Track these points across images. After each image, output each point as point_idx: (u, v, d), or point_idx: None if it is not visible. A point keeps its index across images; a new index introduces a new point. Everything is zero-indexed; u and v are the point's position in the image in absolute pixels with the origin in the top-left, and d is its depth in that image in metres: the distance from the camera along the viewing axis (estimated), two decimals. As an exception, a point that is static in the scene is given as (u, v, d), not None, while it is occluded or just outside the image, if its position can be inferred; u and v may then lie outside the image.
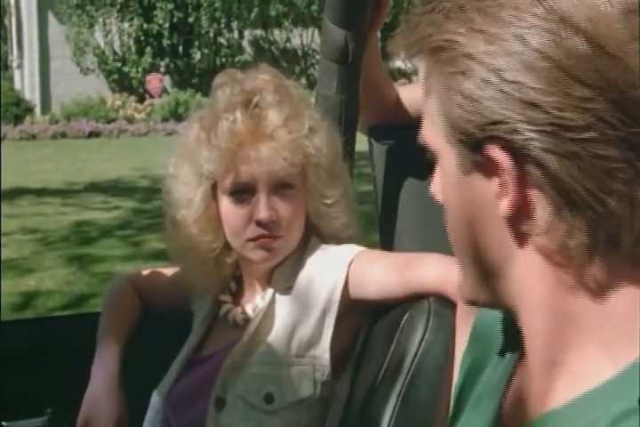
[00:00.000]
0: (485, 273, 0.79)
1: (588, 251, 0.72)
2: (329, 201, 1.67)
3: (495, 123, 0.71)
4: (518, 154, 0.71)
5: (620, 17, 0.70)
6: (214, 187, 1.66)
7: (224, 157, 1.60)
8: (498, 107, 0.71)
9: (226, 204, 1.65)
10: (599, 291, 0.73)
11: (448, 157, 0.77)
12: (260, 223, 1.61)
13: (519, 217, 0.74)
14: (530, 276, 0.75)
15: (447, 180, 0.80)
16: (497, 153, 0.72)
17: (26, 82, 16.64)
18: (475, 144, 0.73)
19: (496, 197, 0.74)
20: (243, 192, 1.63)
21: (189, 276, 1.76)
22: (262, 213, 1.61)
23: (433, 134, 0.79)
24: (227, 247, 1.70)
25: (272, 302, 1.67)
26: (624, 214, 0.71)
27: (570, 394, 0.74)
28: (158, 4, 16.85)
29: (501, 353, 0.90)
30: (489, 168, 0.74)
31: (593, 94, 0.69)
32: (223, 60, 17.39)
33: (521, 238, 0.75)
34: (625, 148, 0.70)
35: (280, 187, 1.63)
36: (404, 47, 0.78)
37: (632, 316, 0.73)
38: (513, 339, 0.87)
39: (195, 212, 1.66)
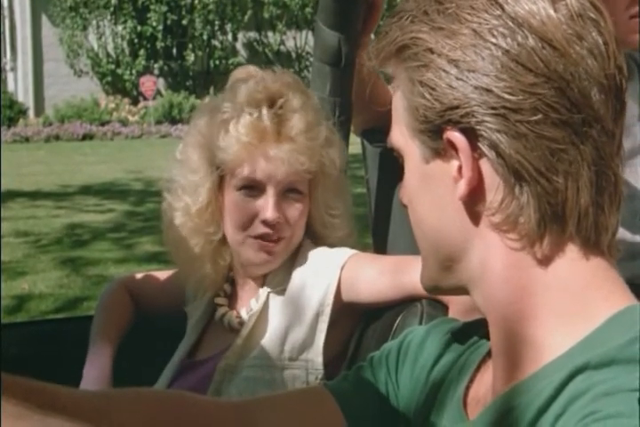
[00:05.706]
0: (448, 258, 0.86)
1: (537, 227, 0.79)
2: (334, 212, 1.69)
3: (452, 108, 0.79)
4: (473, 135, 0.79)
5: (567, 20, 0.79)
6: (221, 179, 1.66)
7: (244, 149, 1.60)
8: (455, 93, 0.79)
9: (233, 197, 1.64)
10: (551, 266, 0.80)
11: (412, 152, 0.85)
12: (266, 223, 1.61)
13: (475, 198, 0.80)
14: (488, 254, 0.82)
15: (412, 175, 0.87)
16: (454, 136, 0.79)
17: (19, 84, 16.61)
18: (435, 130, 0.81)
19: (455, 180, 0.81)
20: (252, 188, 1.62)
21: (184, 270, 1.75)
22: (270, 213, 1.61)
23: (398, 134, 0.87)
24: (222, 245, 1.70)
25: (266, 304, 1.67)
26: (570, 193, 0.78)
27: (534, 366, 0.79)
28: (152, 7, 16.85)
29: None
30: (448, 153, 0.81)
31: (539, 81, 0.77)
32: (217, 62, 17.39)
33: (478, 219, 0.81)
34: (569, 131, 0.78)
35: (289, 191, 1.63)
36: (375, 53, 0.86)
37: (584, 289, 0.80)
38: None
39: (200, 201, 1.66)
